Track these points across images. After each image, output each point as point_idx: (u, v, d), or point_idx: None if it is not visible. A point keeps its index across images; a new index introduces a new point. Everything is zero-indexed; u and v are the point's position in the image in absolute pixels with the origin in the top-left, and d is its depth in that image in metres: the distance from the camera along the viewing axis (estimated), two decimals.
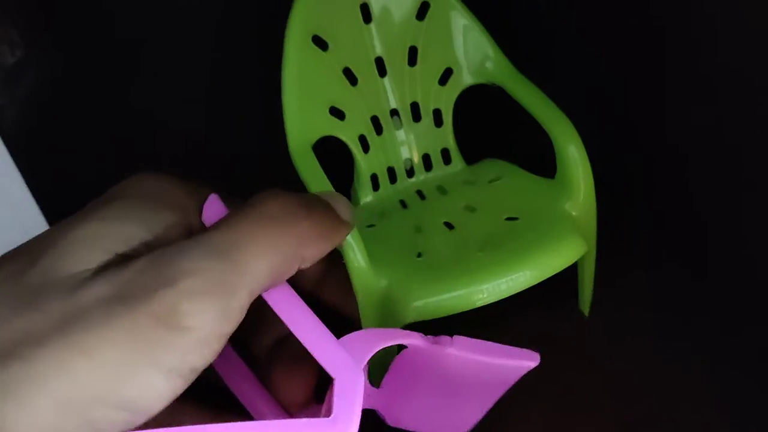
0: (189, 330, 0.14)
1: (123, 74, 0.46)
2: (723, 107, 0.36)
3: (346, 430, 0.18)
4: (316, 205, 0.22)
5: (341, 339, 0.21)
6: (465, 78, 0.40)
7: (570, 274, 0.38)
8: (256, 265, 0.17)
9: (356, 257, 0.32)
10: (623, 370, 0.37)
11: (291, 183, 0.36)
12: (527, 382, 0.37)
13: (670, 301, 0.40)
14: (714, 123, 0.37)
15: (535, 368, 0.37)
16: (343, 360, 0.19)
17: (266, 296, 0.19)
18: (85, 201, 0.22)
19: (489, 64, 0.39)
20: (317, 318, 0.21)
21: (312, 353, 0.20)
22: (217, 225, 0.18)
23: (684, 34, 0.37)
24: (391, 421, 0.30)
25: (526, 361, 0.27)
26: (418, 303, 0.32)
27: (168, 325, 0.14)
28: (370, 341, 0.22)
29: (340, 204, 0.24)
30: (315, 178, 0.34)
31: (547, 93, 0.37)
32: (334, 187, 0.34)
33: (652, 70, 0.40)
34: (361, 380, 0.20)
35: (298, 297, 0.20)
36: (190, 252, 0.16)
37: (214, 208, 0.20)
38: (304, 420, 0.17)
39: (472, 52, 0.39)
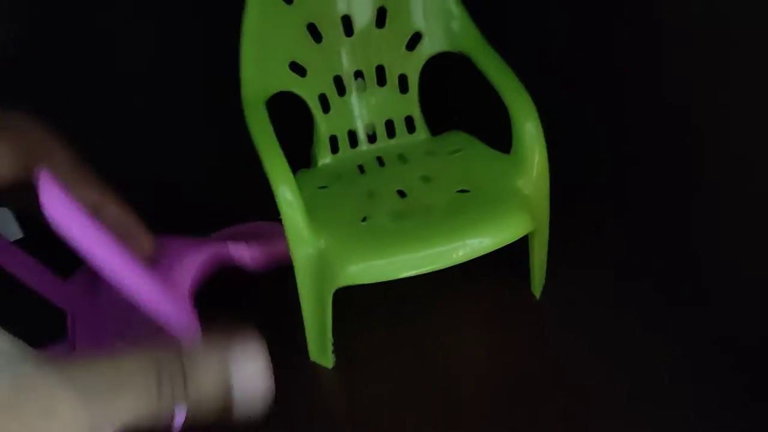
0: None
1: (82, 31, 0.45)
2: (675, 83, 0.35)
3: None
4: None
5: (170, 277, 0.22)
6: (432, 44, 0.39)
7: (524, 257, 0.38)
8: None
9: (294, 215, 0.32)
10: (574, 353, 0.36)
11: None
12: (479, 363, 0.36)
13: (623, 287, 0.39)
14: (678, 105, 0.36)
15: (487, 350, 0.37)
16: (173, 304, 0.21)
17: (67, 230, 0.19)
18: None
19: (455, 26, 0.38)
20: (127, 253, 0.21)
21: (144, 304, 0.20)
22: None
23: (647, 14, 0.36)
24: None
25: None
26: (353, 267, 0.31)
27: None
28: (191, 269, 0.24)
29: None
30: (263, 133, 0.34)
31: (514, 67, 0.36)
32: (288, 146, 0.33)
33: (611, 57, 0.39)
34: (194, 323, 0.22)
35: (102, 229, 0.20)
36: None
37: (50, 190, 0.20)
38: None
39: (439, 15, 0.38)
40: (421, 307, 0.39)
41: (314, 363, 0.37)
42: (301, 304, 0.34)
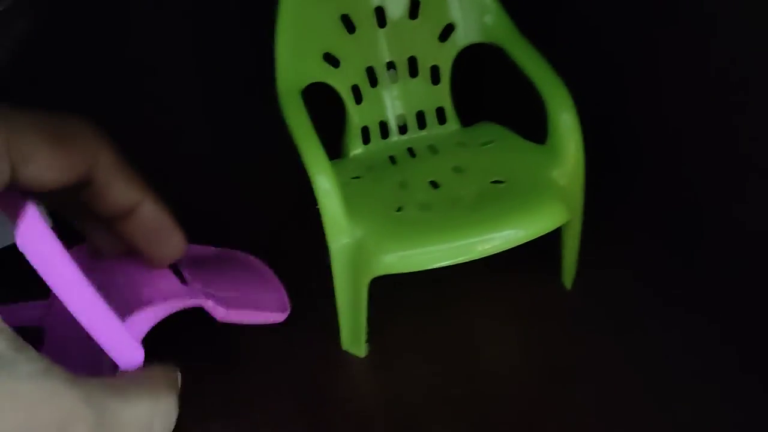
0: None
1: (110, 23, 0.45)
2: (719, 85, 0.35)
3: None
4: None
5: (126, 322, 0.23)
6: (465, 36, 0.39)
7: (555, 247, 0.38)
8: None
9: (332, 205, 0.32)
10: (604, 344, 0.36)
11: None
12: (509, 354, 0.37)
13: (653, 278, 0.39)
14: (709, 102, 0.36)
15: (519, 341, 0.37)
16: (127, 345, 0.22)
17: (40, 267, 0.20)
18: None
19: (488, 19, 0.38)
20: (100, 298, 0.21)
21: (95, 338, 0.21)
22: None
23: (689, 14, 0.35)
24: (218, 316, 0.31)
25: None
26: (389, 256, 0.32)
27: None
28: (150, 318, 0.25)
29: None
30: (300, 123, 0.34)
31: (548, 58, 0.36)
32: (321, 137, 0.34)
33: (650, 47, 0.38)
34: (140, 360, 0.23)
35: (80, 272, 0.21)
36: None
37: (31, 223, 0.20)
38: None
39: (473, 7, 0.38)
40: (451, 296, 0.40)
41: (346, 352, 0.37)
42: (336, 294, 0.34)
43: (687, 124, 0.38)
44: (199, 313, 0.31)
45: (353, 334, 0.36)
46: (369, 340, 0.36)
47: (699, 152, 0.38)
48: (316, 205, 0.32)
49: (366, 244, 0.32)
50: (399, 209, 0.35)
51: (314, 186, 0.32)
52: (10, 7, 0.42)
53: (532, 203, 0.33)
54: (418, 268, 0.32)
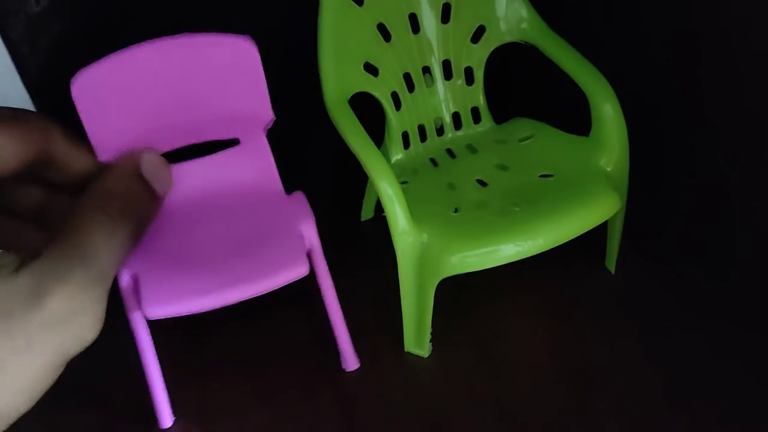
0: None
1: (143, 26, 0.45)
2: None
3: None
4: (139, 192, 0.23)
5: None
6: (497, 36, 0.40)
7: (595, 231, 0.39)
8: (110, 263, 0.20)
9: (397, 210, 0.32)
10: (631, 343, 0.37)
11: None
12: (545, 352, 0.37)
13: (694, 261, 0.40)
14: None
15: (558, 328, 0.37)
16: None
17: None
18: None
19: (519, 17, 0.39)
20: None
21: None
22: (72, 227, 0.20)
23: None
24: None
25: None
26: (457, 257, 0.32)
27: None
28: None
29: (159, 177, 0.24)
30: (353, 130, 0.34)
31: (581, 52, 0.37)
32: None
33: (689, 36, 0.40)
34: None
35: None
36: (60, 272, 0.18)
37: None
38: None
39: (505, 10, 0.39)
40: (503, 291, 0.40)
41: (408, 353, 0.37)
42: (402, 297, 0.35)
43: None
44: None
45: (417, 336, 0.37)
46: (431, 341, 0.37)
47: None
48: (382, 212, 0.33)
49: (433, 248, 0.33)
50: (456, 210, 0.35)
51: (379, 192, 0.32)
52: (47, 8, 0.41)
53: (588, 193, 0.34)
54: (485, 266, 0.33)
